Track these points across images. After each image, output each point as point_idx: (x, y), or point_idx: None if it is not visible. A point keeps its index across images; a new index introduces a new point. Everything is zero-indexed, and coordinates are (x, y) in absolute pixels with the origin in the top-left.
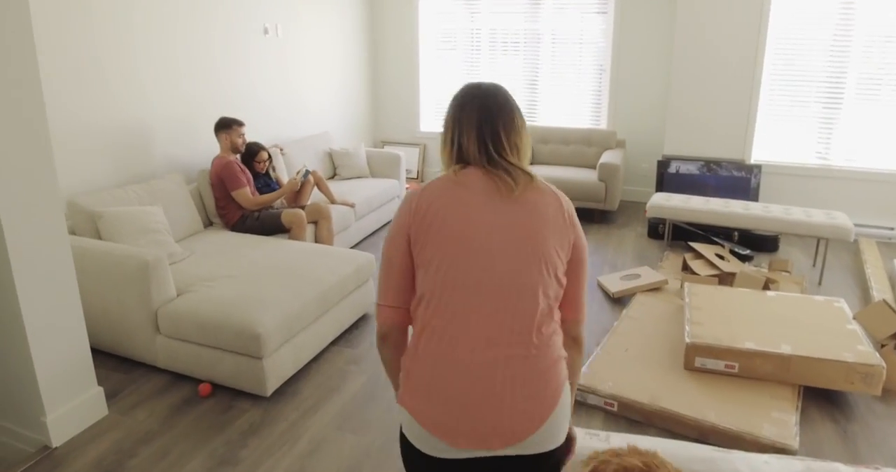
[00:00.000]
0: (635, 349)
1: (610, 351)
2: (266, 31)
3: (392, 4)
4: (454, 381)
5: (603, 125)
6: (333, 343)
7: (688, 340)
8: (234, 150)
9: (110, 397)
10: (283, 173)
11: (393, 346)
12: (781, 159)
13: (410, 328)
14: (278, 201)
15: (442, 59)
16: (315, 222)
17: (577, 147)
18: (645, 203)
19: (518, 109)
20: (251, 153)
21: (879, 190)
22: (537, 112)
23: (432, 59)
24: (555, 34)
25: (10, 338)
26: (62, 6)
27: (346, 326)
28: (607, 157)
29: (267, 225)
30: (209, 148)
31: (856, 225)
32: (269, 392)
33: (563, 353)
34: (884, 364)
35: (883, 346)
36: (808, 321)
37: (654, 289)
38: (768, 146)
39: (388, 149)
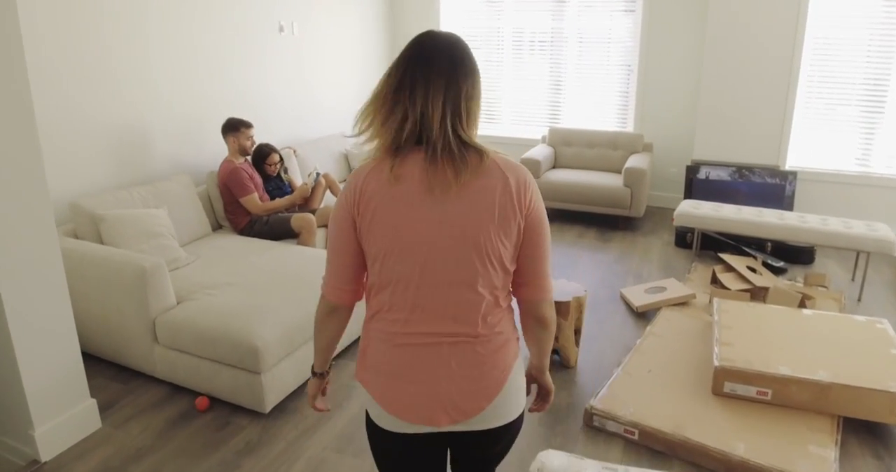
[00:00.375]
0: (659, 371)
1: (631, 372)
2: (282, 29)
3: (413, 1)
4: (403, 361)
5: (629, 128)
6: (339, 356)
7: (716, 363)
8: (243, 152)
9: (106, 408)
10: (297, 175)
11: (337, 321)
12: (818, 166)
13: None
14: None
15: None
16: (326, 227)
17: (601, 150)
18: (672, 210)
19: (479, 68)
20: (262, 156)
21: None
22: (561, 113)
23: None
24: (581, 33)
25: None
26: (72, 4)
27: (353, 338)
28: (633, 161)
29: (276, 230)
30: (220, 149)
31: None
32: (267, 409)
33: (515, 334)
34: None
35: None
36: (848, 344)
37: (681, 303)
38: (804, 152)
39: None
